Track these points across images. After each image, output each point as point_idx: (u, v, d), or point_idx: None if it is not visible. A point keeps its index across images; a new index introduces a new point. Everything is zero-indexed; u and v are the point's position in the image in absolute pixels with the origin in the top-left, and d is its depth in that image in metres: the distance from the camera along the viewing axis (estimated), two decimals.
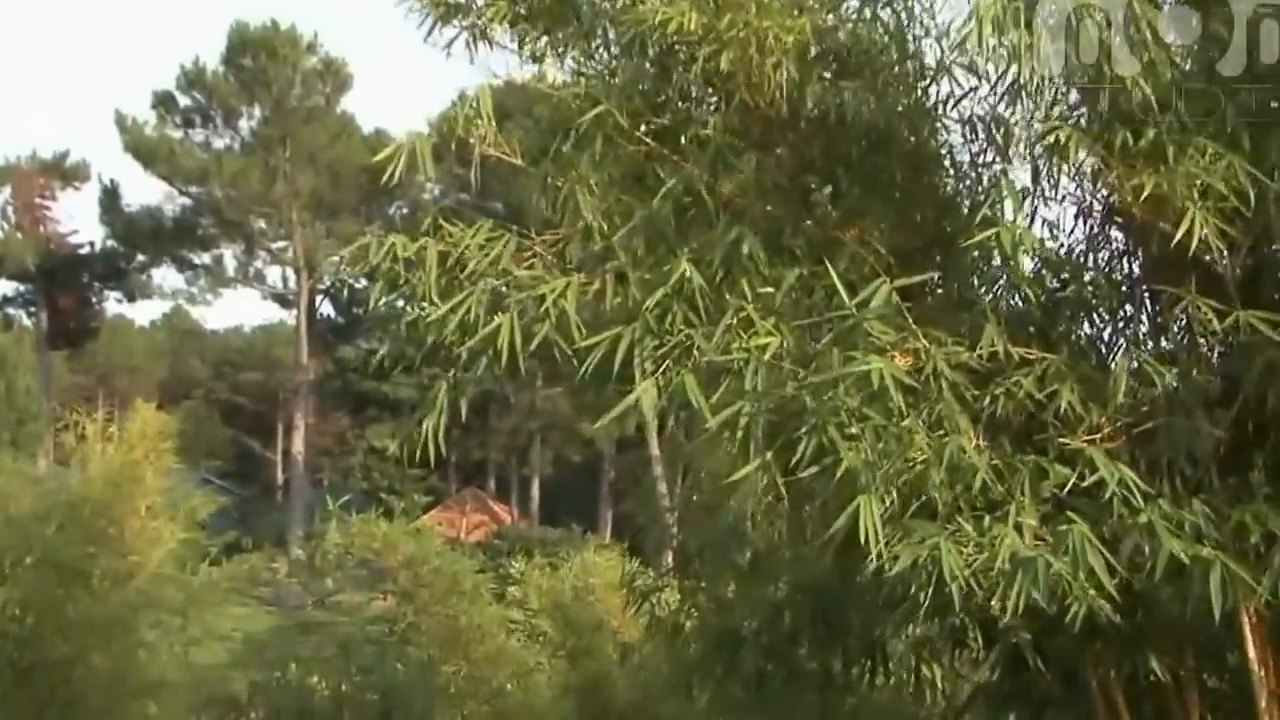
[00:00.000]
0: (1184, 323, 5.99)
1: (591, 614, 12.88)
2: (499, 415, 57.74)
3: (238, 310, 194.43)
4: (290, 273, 60.94)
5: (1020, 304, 6.41)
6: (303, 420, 58.41)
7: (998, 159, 6.59)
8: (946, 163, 6.81)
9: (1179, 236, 5.56)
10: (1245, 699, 6.36)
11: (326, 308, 64.60)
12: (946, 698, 8.70)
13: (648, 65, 6.69)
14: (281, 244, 59.82)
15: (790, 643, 8.52)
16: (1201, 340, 6.19)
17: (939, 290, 6.42)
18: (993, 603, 5.48)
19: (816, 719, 9.29)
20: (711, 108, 6.66)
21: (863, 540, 5.31)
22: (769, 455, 5.56)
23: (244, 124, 57.76)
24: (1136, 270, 6.71)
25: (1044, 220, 6.56)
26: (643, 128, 6.47)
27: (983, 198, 6.13)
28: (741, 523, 8.84)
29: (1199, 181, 5.59)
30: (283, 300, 63.35)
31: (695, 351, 5.74)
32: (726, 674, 8.88)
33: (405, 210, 56.28)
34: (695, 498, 8.46)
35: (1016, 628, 6.11)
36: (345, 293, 62.37)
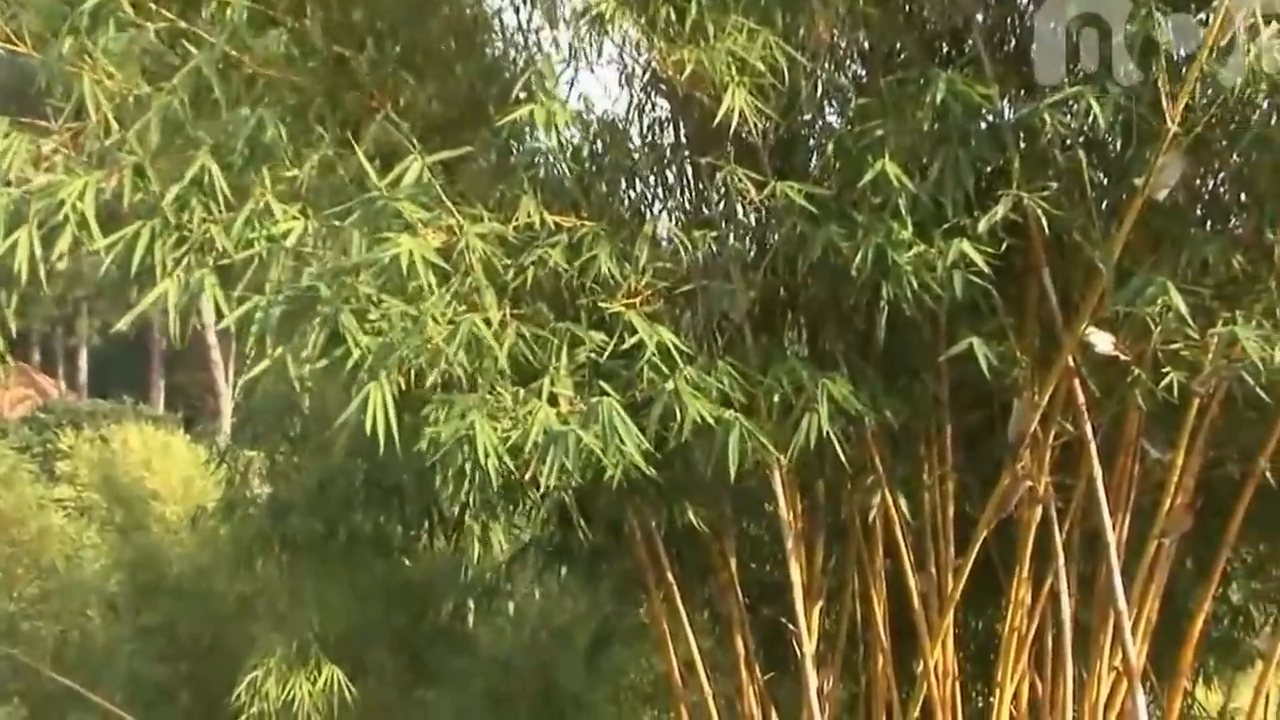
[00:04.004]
0: (723, 190, 6.26)
1: (143, 487, 12.59)
2: (44, 283, 55.01)
3: None
4: None
5: (563, 172, 6.54)
6: None
7: (546, 25, 6.68)
8: (494, 28, 6.86)
9: (720, 114, 5.80)
10: (779, 542, 6.81)
11: None
12: (503, 554, 8.94)
13: None
14: None
15: (349, 509, 8.58)
16: (739, 207, 6.50)
17: (480, 161, 6.45)
18: (526, 475, 5.62)
19: (377, 583, 9.43)
20: None
21: (369, 427, 5.30)
22: (285, 348, 5.49)
23: None
24: (679, 138, 6.96)
25: (584, 92, 6.67)
26: (166, 9, 6.09)
27: (524, 67, 6.17)
28: (296, 391, 8.80)
29: (736, 57, 5.82)
30: None
31: (216, 246, 5.58)
32: (286, 542, 8.88)
33: None
34: (250, 366, 8.34)
35: (560, 486, 6.32)
36: None
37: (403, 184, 5.50)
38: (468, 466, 5.51)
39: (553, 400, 5.66)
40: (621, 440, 5.54)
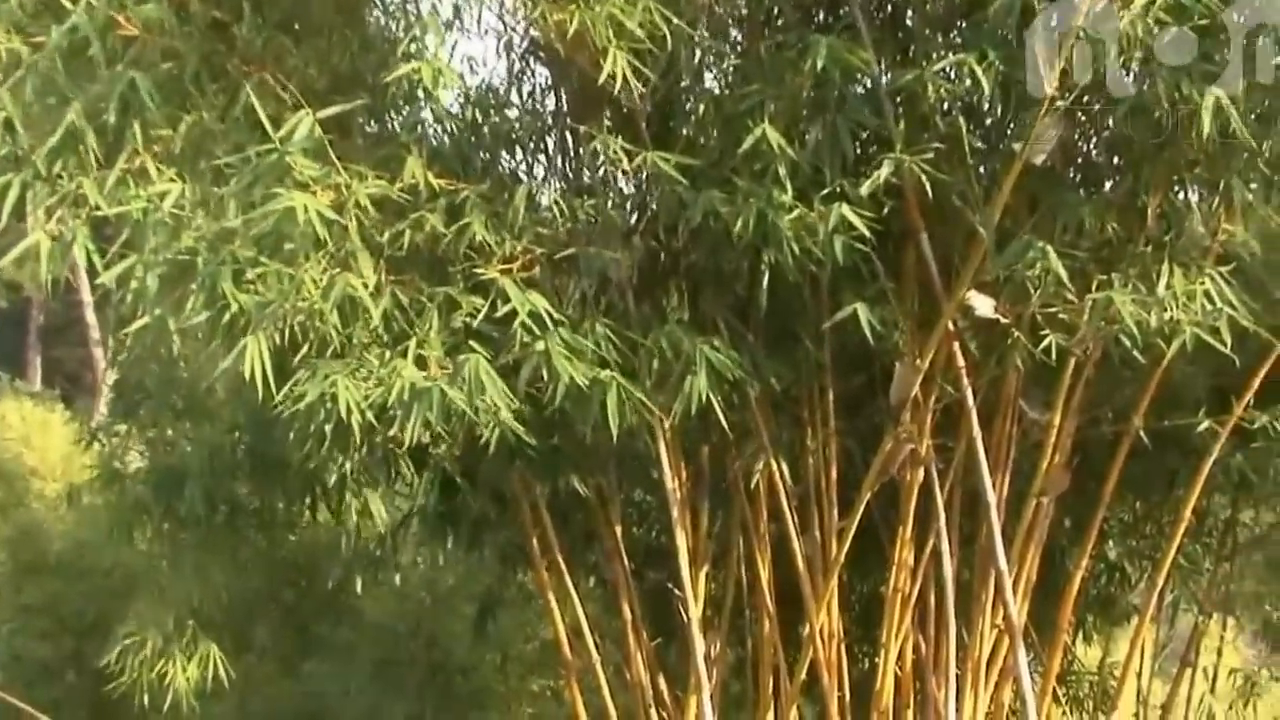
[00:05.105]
0: (601, 158, 6.23)
1: (21, 464, 12.41)
2: None
3: None
4: None
5: (445, 139, 6.48)
6: None
7: None
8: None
9: (602, 76, 5.76)
10: (664, 508, 6.82)
11: None
12: (385, 525, 8.88)
13: None
14: None
15: (232, 480, 8.49)
16: (618, 174, 6.48)
17: (364, 128, 6.38)
18: (391, 432, 5.59)
19: (260, 556, 9.34)
20: None
21: (249, 379, 5.28)
22: (163, 309, 5.44)
23: None
24: (560, 105, 6.92)
25: (466, 56, 6.60)
26: None
27: (404, 33, 6.10)
28: (177, 363, 8.69)
29: (615, 21, 5.79)
30: None
31: (90, 201, 5.47)
32: (168, 515, 8.77)
33: None
34: (130, 339, 8.21)
35: (442, 455, 6.28)
36: None
37: (294, 140, 5.42)
38: (327, 427, 5.48)
39: (422, 362, 5.62)
40: (485, 394, 5.52)
